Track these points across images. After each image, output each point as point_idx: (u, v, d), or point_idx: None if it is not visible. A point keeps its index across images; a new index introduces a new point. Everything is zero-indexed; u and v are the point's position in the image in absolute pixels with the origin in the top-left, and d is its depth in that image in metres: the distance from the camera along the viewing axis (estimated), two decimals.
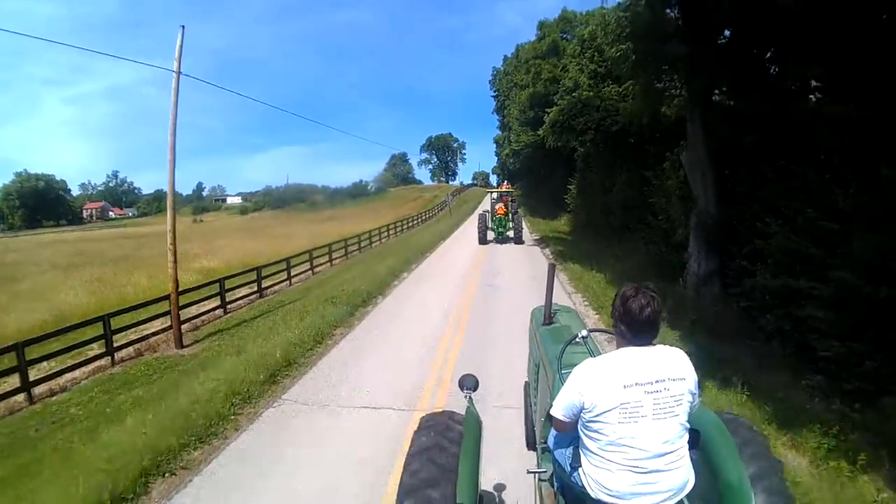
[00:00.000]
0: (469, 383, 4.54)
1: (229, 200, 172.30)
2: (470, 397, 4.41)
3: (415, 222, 58.47)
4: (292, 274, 26.77)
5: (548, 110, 30.22)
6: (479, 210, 49.10)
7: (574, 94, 29.37)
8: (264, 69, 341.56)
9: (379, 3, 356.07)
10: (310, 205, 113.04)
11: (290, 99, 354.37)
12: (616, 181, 24.79)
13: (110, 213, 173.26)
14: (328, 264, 31.48)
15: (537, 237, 36.98)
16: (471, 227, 43.33)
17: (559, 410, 3.03)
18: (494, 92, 77.10)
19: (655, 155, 18.56)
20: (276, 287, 24.84)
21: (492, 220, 34.10)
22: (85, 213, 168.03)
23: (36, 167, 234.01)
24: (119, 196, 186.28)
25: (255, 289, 23.35)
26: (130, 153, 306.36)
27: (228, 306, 20.59)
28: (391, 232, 48.11)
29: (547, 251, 30.14)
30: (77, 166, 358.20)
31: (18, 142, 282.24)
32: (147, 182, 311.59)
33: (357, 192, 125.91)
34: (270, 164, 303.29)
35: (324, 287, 22.40)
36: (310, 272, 28.86)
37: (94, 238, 78.84)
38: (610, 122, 24.03)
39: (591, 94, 27.56)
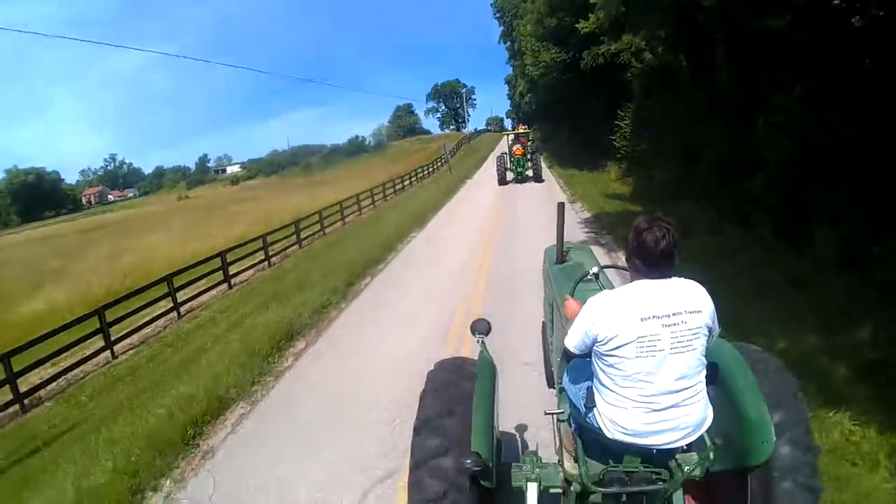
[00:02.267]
0: (481, 328, 4.15)
1: (229, 170, 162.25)
2: (483, 342, 4.06)
3: (407, 182, 45.23)
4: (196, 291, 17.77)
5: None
6: (494, 156, 43.12)
7: None
8: (268, 36, 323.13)
9: None
10: (304, 168, 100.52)
11: (297, 61, 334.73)
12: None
13: (109, 196, 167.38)
14: (264, 265, 21.24)
15: (587, 214, 19.31)
16: (476, 191, 32.02)
17: (572, 342, 2.89)
18: (498, 13, 62.58)
19: None
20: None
21: (510, 161, 32.58)
22: (84, 200, 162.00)
23: (42, 160, 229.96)
24: (120, 178, 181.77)
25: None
26: (132, 137, 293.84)
27: None
28: (376, 198, 36.44)
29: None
30: (83, 154, 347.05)
31: (26, 137, 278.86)
32: (150, 162, 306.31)
33: (354, 150, 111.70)
34: (282, 129, 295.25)
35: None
36: (225, 284, 18.75)
37: (66, 231, 69.89)
38: None
39: None
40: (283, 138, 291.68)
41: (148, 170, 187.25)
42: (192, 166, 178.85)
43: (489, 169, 40.76)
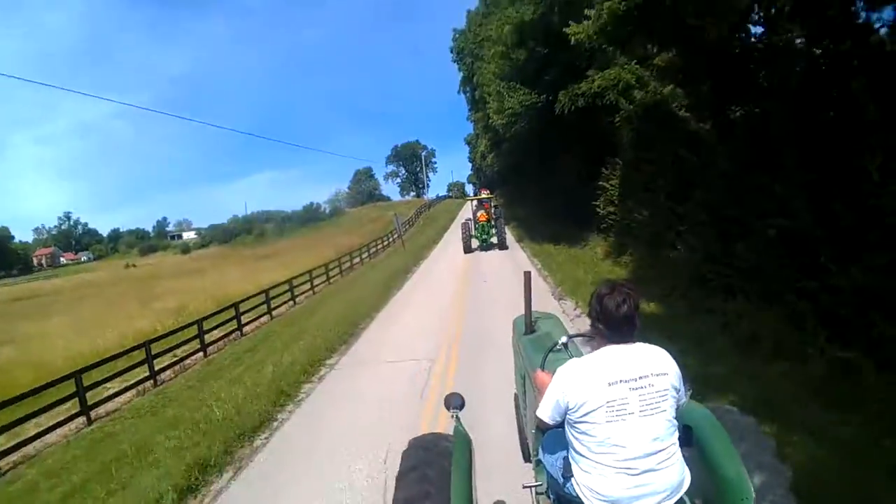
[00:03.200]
0: (455, 402, 4.10)
1: (185, 236, 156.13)
2: (457, 416, 3.94)
3: (357, 259, 39.88)
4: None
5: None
6: (455, 226, 44.16)
7: None
8: (229, 95, 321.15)
9: (336, 19, 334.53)
10: (257, 237, 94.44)
11: (257, 123, 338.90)
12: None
13: (61, 258, 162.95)
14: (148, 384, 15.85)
15: (584, 314, 12.07)
16: (434, 272, 26.26)
17: (545, 412, 2.89)
18: (457, 57, 56.67)
19: None
20: None
21: (475, 228, 31.52)
22: (35, 261, 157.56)
23: None
24: (76, 239, 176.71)
25: None
26: (92, 193, 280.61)
27: None
28: (316, 283, 31.21)
29: None
30: (39, 210, 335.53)
31: None
32: (107, 222, 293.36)
33: (309, 217, 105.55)
34: (245, 192, 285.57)
35: None
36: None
37: None
38: None
39: None
40: (246, 202, 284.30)
41: (105, 231, 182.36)
42: (151, 230, 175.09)
43: (450, 243, 36.05)
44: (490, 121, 33.36)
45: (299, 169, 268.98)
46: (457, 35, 55.07)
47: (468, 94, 52.57)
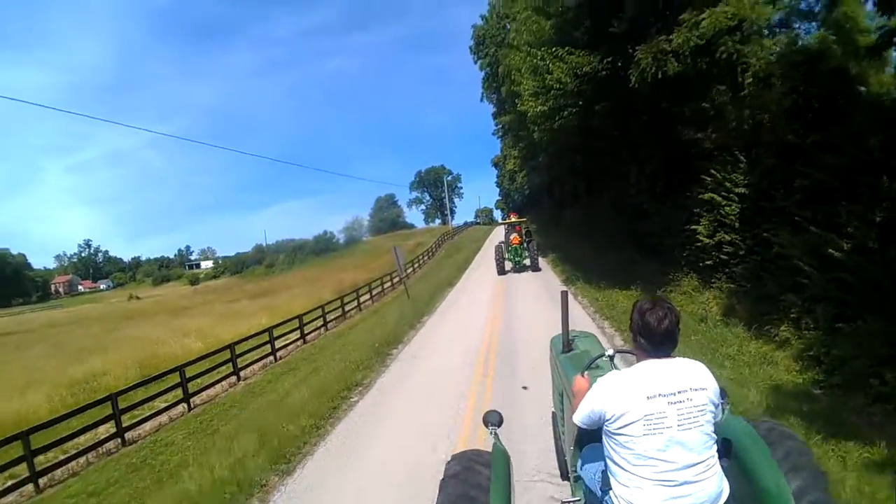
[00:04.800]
0: (493, 419, 4.02)
1: (203, 265, 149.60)
2: (496, 433, 3.91)
3: (352, 305, 31.00)
4: None
5: None
6: (481, 257, 41.07)
7: None
8: (259, 124, 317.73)
9: (365, 50, 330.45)
10: (266, 268, 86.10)
11: (285, 152, 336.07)
12: None
13: (79, 286, 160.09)
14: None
15: None
16: (447, 337, 16.01)
17: (580, 417, 2.89)
18: (480, 50, 45.33)
19: None
20: None
21: (507, 251, 30.32)
22: (53, 288, 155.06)
23: (15, 242, 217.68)
24: (94, 266, 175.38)
25: None
26: (119, 222, 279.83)
27: None
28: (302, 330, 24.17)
29: None
30: (62, 238, 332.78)
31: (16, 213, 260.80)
32: (137, 250, 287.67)
33: (322, 248, 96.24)
34: (273, 220, 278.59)
35: None
36: None
37: None
38: None
39: None
40: (272, 231, 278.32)
41: (127, 259, 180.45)
42: (174, 258, 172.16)
43: (472, 285, 27.11)
44: (524, 118, 24.10)
45: (327, 196, 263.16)
46: (477, 28, 45.35)
47: (493, 96, 42.56)
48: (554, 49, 16.74)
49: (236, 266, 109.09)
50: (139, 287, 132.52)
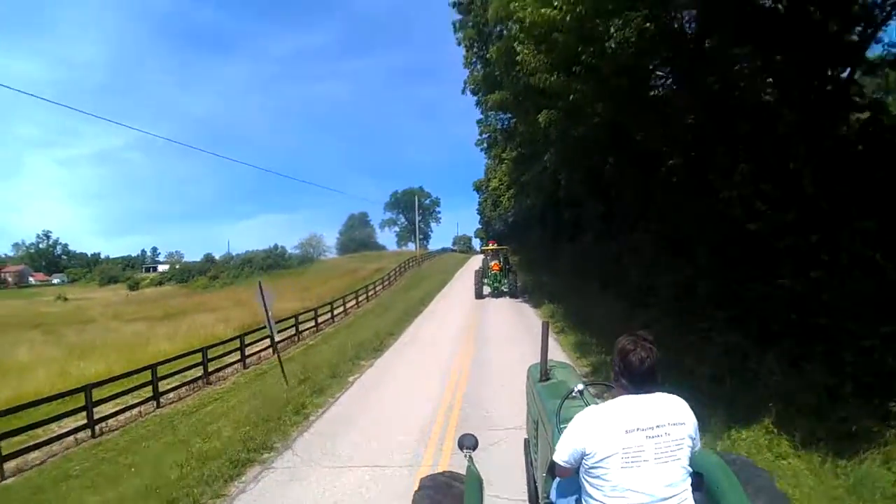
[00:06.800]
0: (468, 442, 3.96)
1: (161, 269, 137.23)
2: (470, 456, 3.79)
3: (252, 350, 20.60)
4: None
5: None
6: (446, 296, 33.08)
7: None
8: (247, 137, 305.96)
9: (357, 76, 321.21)
10: (211, 278, 75.04)
11: (270, 165, 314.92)
12: None
13: (30, 278, 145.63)
14: None
15: None
16: None
17: (561, 456, 2.73)
18: (462, 19, 30.90)
19: None
20: None
21: (487, 276, 30.20)
22: (1, 277, 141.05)
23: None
24: (49, 259, 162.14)
25: None
26: (96, 219, 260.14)
27: None
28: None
29: None
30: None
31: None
32: (110, 248, 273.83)
33: (271, 264, 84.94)
34: (254, 231, 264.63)
35: None
36: None
37: None
38: None
39: None
40: (249, 242, 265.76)
41: (92, 255, 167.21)
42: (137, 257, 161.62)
43: (424, 339, 17.72)
44: (524, 93, 13.92)
45: (309, 211, 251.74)
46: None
47: (478, 71, 30.70)
48: None
49: (182, 274, 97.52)
50: (87, 286, 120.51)
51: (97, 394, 13.76)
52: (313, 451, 8.05)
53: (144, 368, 15.52)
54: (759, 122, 9.25)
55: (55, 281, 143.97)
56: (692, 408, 2.89)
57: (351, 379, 12.66)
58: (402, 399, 10.49)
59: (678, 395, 2.94)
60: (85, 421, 13.25)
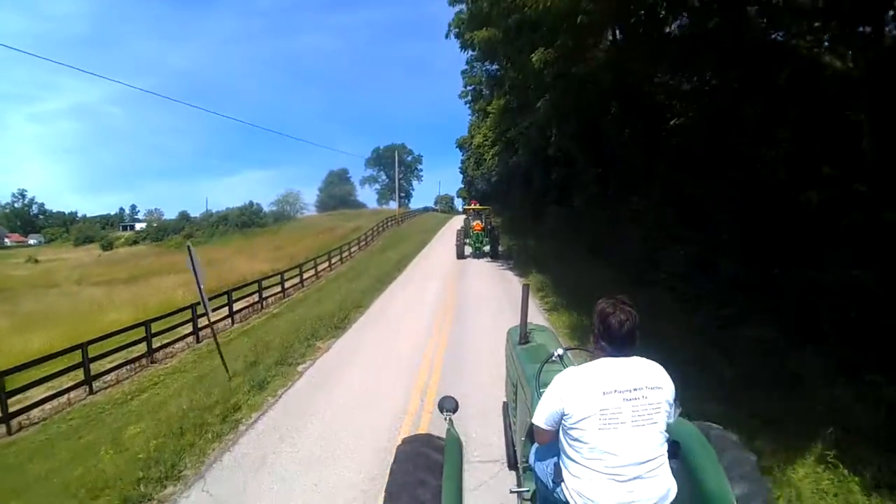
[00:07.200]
0: (449, 405, 3.97)
1: (138, 227, 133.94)
2: (450, 419, 3.84)
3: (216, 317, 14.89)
4: None
5: None
6: (412, 274, 25.58)
7: None
8: (231, 90, 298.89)
9: (343, 31, 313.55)
10: (185, 237, 72.59)
11: (253, 119, 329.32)
12: None
13: (5, 239, 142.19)
14: None
15: None
16: None
17: (541, 418, 2.78)
18: None
19: None
20: None
21: (469, 236, 30.12)
22: None
23: None
24: (30, 220, 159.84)
25: None
26: (75, 176, 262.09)
27: None
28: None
29: None
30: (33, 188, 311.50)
31: None
32: (90, 207, 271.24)
33: (245, 221, 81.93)
34: (236, 188, 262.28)
35: None
36: None
37: None
38: None
39: None
40: (232, 199, 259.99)
41: (69, 214, 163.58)
42: (112, 213, 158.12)
43: (406, 302, 16.79)
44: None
45: (293, 168, 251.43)
46: None
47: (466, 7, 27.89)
48: None
49: (158, 233, 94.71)
50: (62, 246, 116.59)
51: (22, 378, 12.08)
52: (230, 485, 6.02)
53: (75, 348, 13.30)
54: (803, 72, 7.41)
55: (31, 242, 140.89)
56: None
57: (301, 369, 10.55)
58: (356, 408, 8.13)
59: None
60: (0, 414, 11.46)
